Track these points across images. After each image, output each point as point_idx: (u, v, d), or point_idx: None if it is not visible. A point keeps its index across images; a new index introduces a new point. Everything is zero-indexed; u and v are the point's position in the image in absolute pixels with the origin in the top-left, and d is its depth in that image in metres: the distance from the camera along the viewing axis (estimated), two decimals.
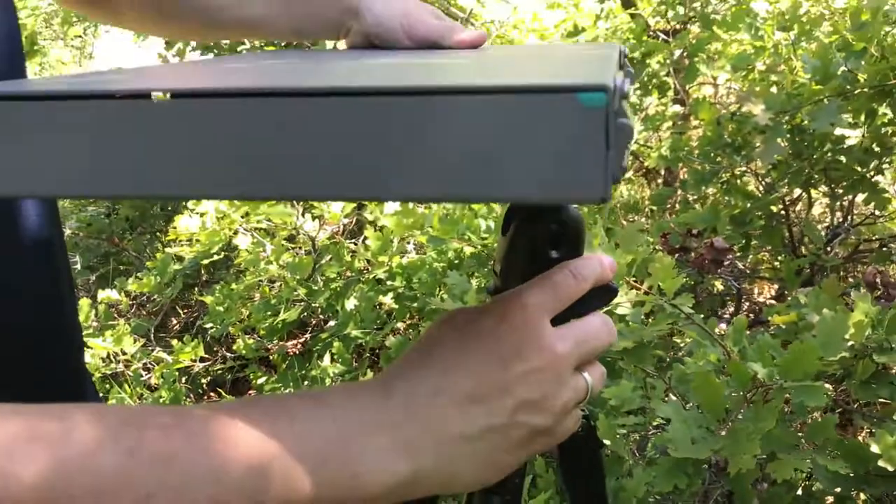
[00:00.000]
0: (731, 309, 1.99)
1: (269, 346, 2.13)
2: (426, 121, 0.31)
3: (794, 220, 1.91)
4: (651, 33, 2.28)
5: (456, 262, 1.80)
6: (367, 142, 0.31)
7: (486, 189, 0.32)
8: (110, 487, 0.32)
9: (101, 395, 2.01)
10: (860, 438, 1.55)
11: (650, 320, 1.12)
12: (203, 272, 2.49)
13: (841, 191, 1.77)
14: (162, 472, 0.33)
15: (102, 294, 2.24)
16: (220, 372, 2.28)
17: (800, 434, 1.02)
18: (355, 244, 2.14)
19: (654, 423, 1.25)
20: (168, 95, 0.32)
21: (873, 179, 1.69)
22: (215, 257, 2.15)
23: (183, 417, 0.36)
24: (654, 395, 1.16)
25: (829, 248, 1.81)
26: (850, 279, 1.99)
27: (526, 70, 0.42)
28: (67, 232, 2.73)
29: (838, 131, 1.58)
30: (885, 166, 1.70)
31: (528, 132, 0.30)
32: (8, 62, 0.57)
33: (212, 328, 2.09)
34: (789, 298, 1.35)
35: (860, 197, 1.76)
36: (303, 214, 2.05)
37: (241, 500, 0.35)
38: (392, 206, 1.80)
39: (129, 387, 2.12)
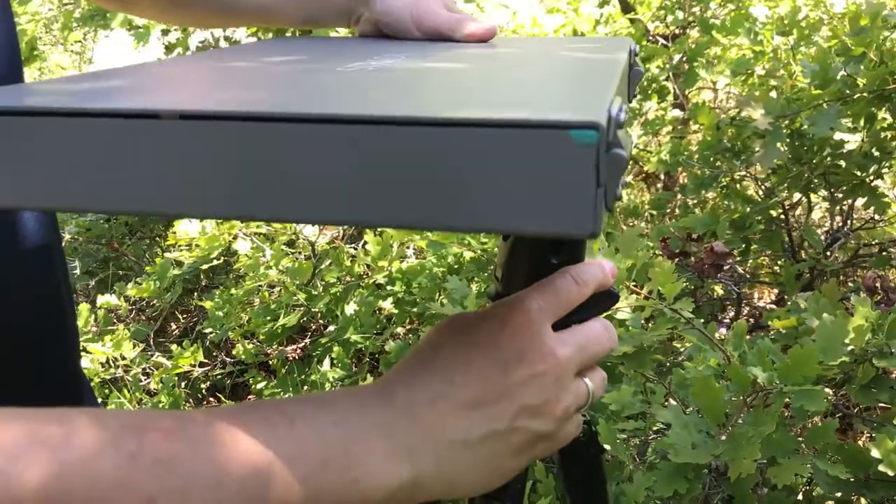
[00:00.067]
0: (731, 313, 1.99)
1: (268, 351, 2.13)
2: (415, 150, 0.31)
3: (793, 225, 1.91)
4: (650, 38, 2.28)
5: (455, 266, 1.80)
6: (360, 168, 0.31)
7: (473, 219, 0.32)
8: (111, 491, 0.32)
9: (100, 400, 2.02)
10: (860, 443, 1.55)
11: (650, 325, 1.12)
12: (202, 277, 2.49)
13: (840, 195, 1.77)
14: (163, 476, 0.33)
15: (102, 299, 2.23)
16: (219, 377, 2.28)
17: (800, 439, 1.02)
18: (355, 249, 2.14)
19: (655, 428, 1.25)
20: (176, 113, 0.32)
21: (873, 184, 1.69)
22: (215, 262, 2.15)
23: (184, 422, 0.36)
24: (655, 399, 1.16)
25: (828, 253, 1.82)
26: (850, 283, 1.99)
27: (524, 88, 0.41)
28: (67, 237, 2.73)
29: (838, 136, 1.58)
30: (884, 171, 1.70)
31: (519, 165, 0.30)
32: (6, 67, 0.57)
33: (211, 333, 2.09)
34: (789, 303, 1.35)
35: (860, 201, 1.76)
36: None
37: None
38: None
39: (129, 392, 2.12)
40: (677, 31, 2.27)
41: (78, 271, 2.64)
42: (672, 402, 1.14)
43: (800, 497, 1.23)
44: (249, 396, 2.22)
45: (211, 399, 2.31)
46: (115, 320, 2.42)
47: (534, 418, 0.43)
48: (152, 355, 2.20)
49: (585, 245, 0.50)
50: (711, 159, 1.75)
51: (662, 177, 2.51)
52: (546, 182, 0.30)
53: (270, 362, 2.16)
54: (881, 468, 0.96)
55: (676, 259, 1.61)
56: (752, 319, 1.92)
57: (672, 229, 1.70)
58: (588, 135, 0.30)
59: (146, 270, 2.29)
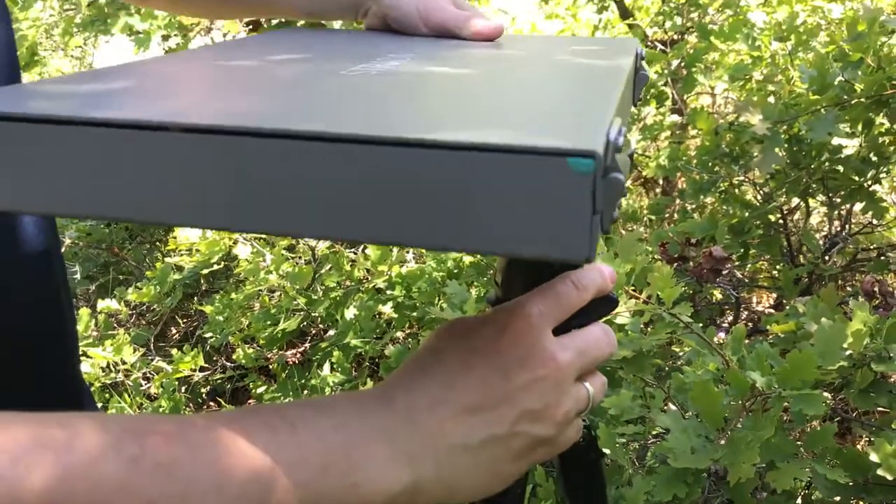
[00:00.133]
0: (730, 318, 1.99)
1: (268, 356, 2.13)
2: (411, 171, 0.31)
3: (792, 230, 1.91)
4: (649, 43, 2.29)
5: (455, 271, 1.81)
6: (358, 185, 0.32)
7: (468, 240, 0.32)
8: (113, 495, 0.32)
9: (101, 404, 2.02)
10: (859, 447, 1.55)
11: (649, 329, 1.12)
12: (203, 282, 2.49)
13: (839, 200, 1.77)
14: (164, 481, 0.33)
15: (102, 304, 2.24)
16: (219, 381, 2.27)
17: (799, 443, 1.02)
18: (355, 253, 2.14)
19: (654, 433, 1.25)
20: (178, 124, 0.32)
21: (871, 189, 1.70)
22: (215, 267, 2.15)
23: (185, 426, 0.36)
24: (654, 404, 1.16)
25: (827, 258, 1.82)
26: (849, 288, 1.99)
27: (524, 104, 0.41)
28: (67, 241, 2.73)
29: (836, 141, 1.59)
30: (882, 175, 1.71)
31: (515, 189, 0.31)
32: (4, 73, 0.57)
33: (211, 338, 2.09)
34: (788, 307, 1.35)
35: (858, 206, 1.77)
36: None
37: None
38: None
39: (129, 396, 2.12)
40: (676, 37, 2.27)
41: (78, 276, 2.64)
42: (671, 406, 1.14)
43: (799, 501, 1.23)
44: (250, 401, 2.22)
45: (211, 403, 2.31)
46: (115, 325, 2.42)
47: (534, 423, 0.43)
48: (153, 360, 2.20)
49: None
50: (710, 164, 1.75)
51: (661, 182, 2.51)
52: (541, 207, 0.31)
53: (271, 367, 2.16)
54: (880, 472, 0.96)
55: (675, 264, 1.61)
56: (750, 324, 1.92)
57: (671, 234, 1.70)
58: (585, 163, 0.30)
59: (146, 275, 2.30)
